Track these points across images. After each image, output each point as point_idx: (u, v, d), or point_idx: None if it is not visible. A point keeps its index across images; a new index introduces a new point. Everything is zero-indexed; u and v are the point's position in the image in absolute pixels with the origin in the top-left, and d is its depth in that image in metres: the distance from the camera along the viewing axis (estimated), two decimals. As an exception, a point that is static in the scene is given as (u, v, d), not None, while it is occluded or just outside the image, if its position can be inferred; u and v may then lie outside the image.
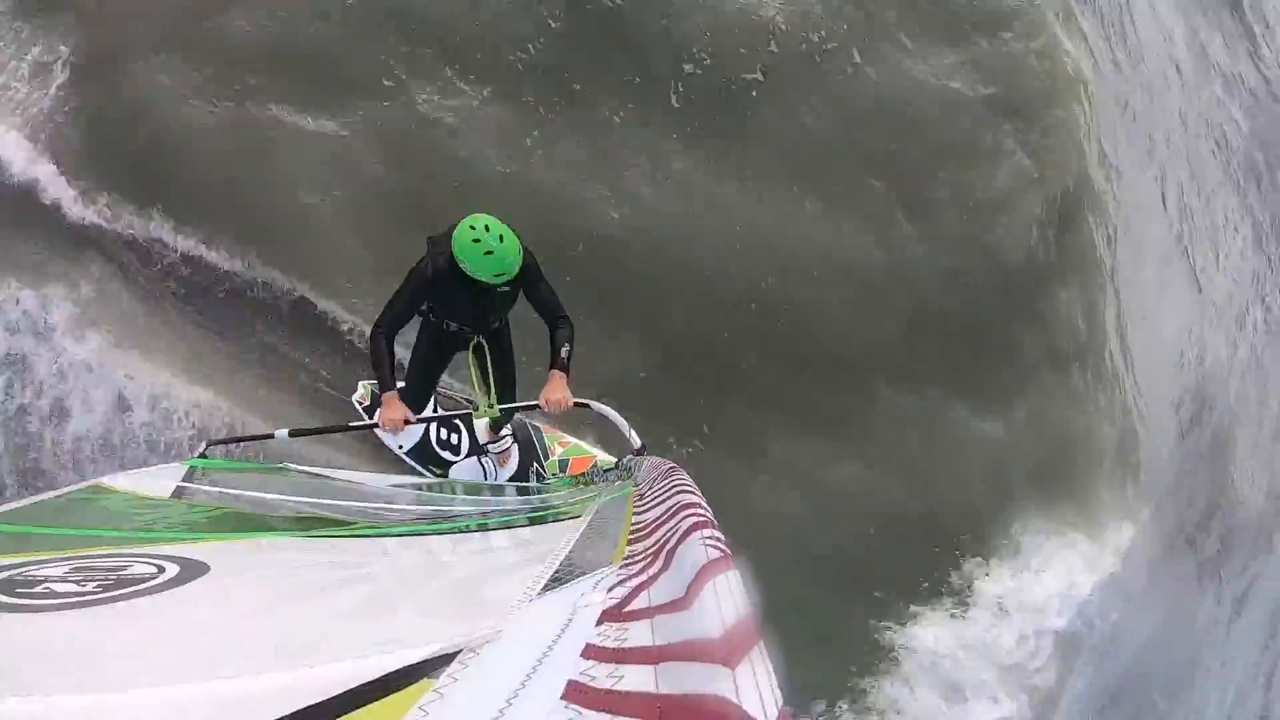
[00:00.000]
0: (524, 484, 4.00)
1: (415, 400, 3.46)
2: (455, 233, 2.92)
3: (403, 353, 3.45)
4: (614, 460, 3.42)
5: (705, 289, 4.85)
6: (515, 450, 4.07)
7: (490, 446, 4.02)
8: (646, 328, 4.74)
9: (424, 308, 3.29)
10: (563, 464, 4.18)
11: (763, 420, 4.90)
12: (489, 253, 2.86)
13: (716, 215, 4.95)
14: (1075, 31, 6.17)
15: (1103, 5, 6.77)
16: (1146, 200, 6.69)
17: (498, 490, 3.71)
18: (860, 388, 5.16)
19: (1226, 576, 6.78)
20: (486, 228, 2.87)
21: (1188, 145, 7.55)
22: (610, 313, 4.52)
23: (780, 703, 0.52)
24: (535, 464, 4.14)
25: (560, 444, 4.30)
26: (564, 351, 3.17)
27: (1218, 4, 8.92)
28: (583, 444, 4.30)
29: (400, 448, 3.94)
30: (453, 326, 3.38)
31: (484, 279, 2.96)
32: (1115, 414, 5.88)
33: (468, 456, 4.07)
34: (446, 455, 4.03)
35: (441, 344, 3.53)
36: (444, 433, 4.09)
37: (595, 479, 2.97)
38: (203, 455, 2.99)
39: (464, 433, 4.09)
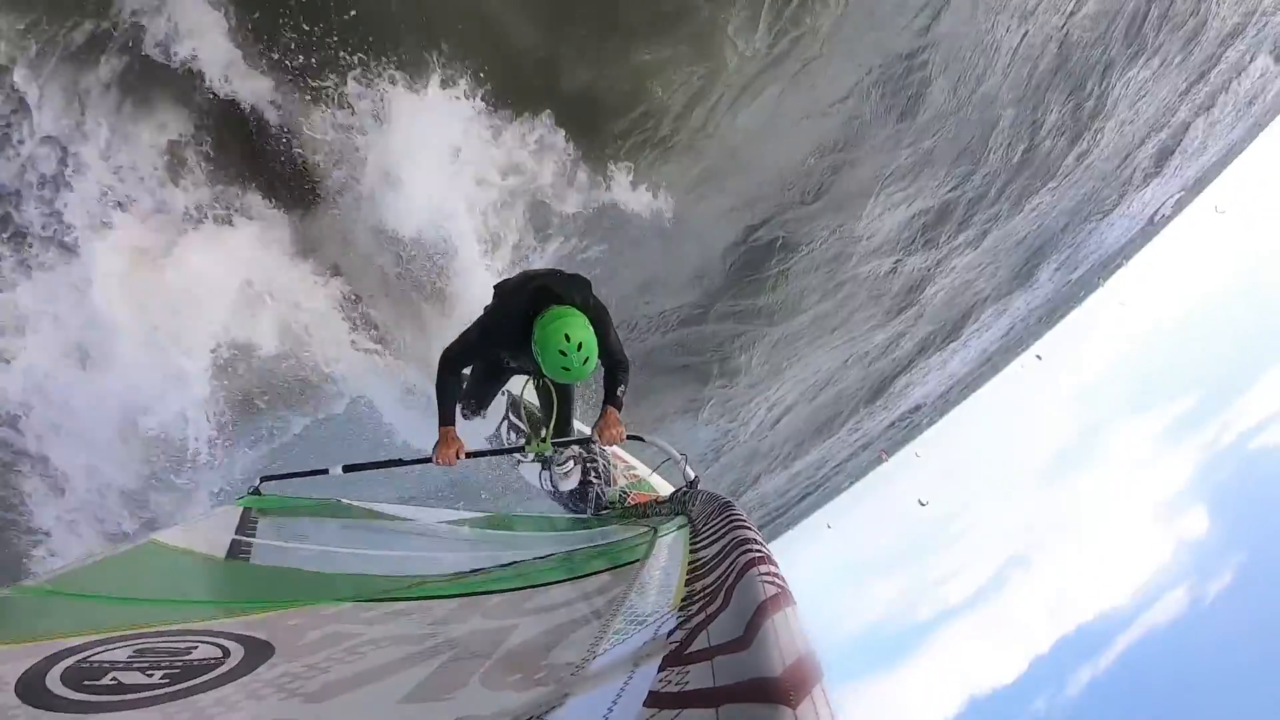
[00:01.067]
0: (580, 517, 4.00)
1: (477, 401, 3.71)
2: (544, 330, 2.84)
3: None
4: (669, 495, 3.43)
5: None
6: (577, 471, 4.06)
7: (554, 463, 4.04)
8: None
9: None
10: (623, 494, 4.15)
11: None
12: (567, 369, 2.85)
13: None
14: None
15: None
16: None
17: (554, 524, 3.68)
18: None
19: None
20: (579, 346, 2.81)
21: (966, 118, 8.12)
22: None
23: None
24: (597, 488, 4.13)
25: (628, 476, 4.32)
26: (619, 390, 3.25)
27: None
28: (649, 480, 4.31)
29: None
30: (513, 365, 3.51)
31: (549, 376, 3.02)
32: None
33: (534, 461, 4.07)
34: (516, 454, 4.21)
35: (501, 370, 3.73)
36: (513, 436, 4.24)
37: (649, 512, 2.99)
38: (256, 492, 2.95)
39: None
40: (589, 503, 4.05)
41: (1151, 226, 19.35)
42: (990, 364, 22.94)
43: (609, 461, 4.18)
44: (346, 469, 3.16)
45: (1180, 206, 19.69)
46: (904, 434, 23.56)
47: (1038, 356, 26.05)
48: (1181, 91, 12.41)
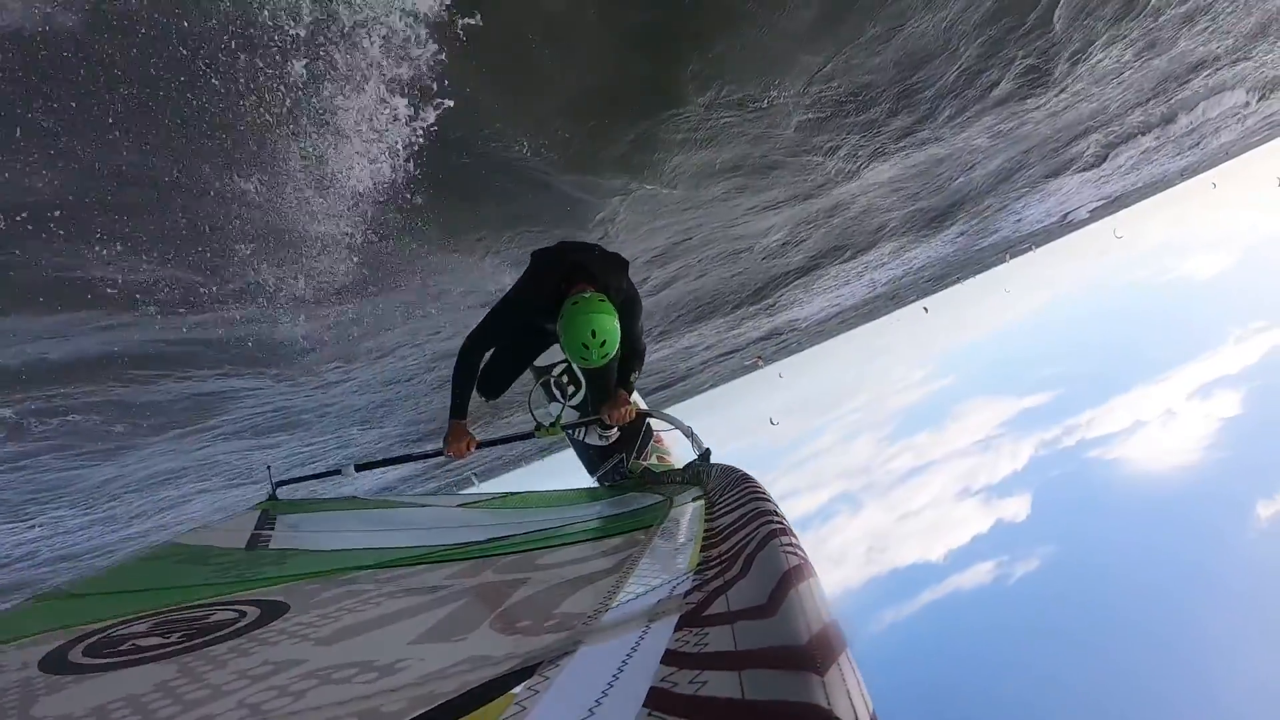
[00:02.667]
0: (595, 488, 4.00)
1: (496, 383, 3.62)
2: (574, 319, 2.92)
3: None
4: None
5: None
6: (615, 431, 4.08)
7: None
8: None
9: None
10: (646, 471, 4.14)
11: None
12: (585, 359, 2.98)
13: None
14: None
15: None
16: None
17: (569, 497, 3.72)
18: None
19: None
20: (603, 343, 2.93)
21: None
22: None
23: (871, 708, 0.55)
24: (625, 455, 4.21)
25: (660, 458, 4.32)
26: (632, 376, 3.40)
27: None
28: (675, 466, 4.23)
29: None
30: (549, 327, 3.43)
31: (566, 354, 3.10)
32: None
33: (577, 407, 4.22)
34: (557, 394, 4.24)
35: (524, 349, 3.72)
36: (564, 378, 4.30)
37: (664, 480, 3.04)
38: (273, 497, 2.99)
39: (582, 390, 4.22)
40: (609, 465, 4.18)
41: (1061, 226, 19.97)
42: (869, 309, 23.43)
43: (651, 439, 4.30)
44: (359, 468, 3.28)
45: (1094, 217, 20.38)
46: (774, 351, 24.02)
47: (925, 309, 27.07)
48: (1144, 100, 12.32)
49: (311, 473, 3.35)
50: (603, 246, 3.42)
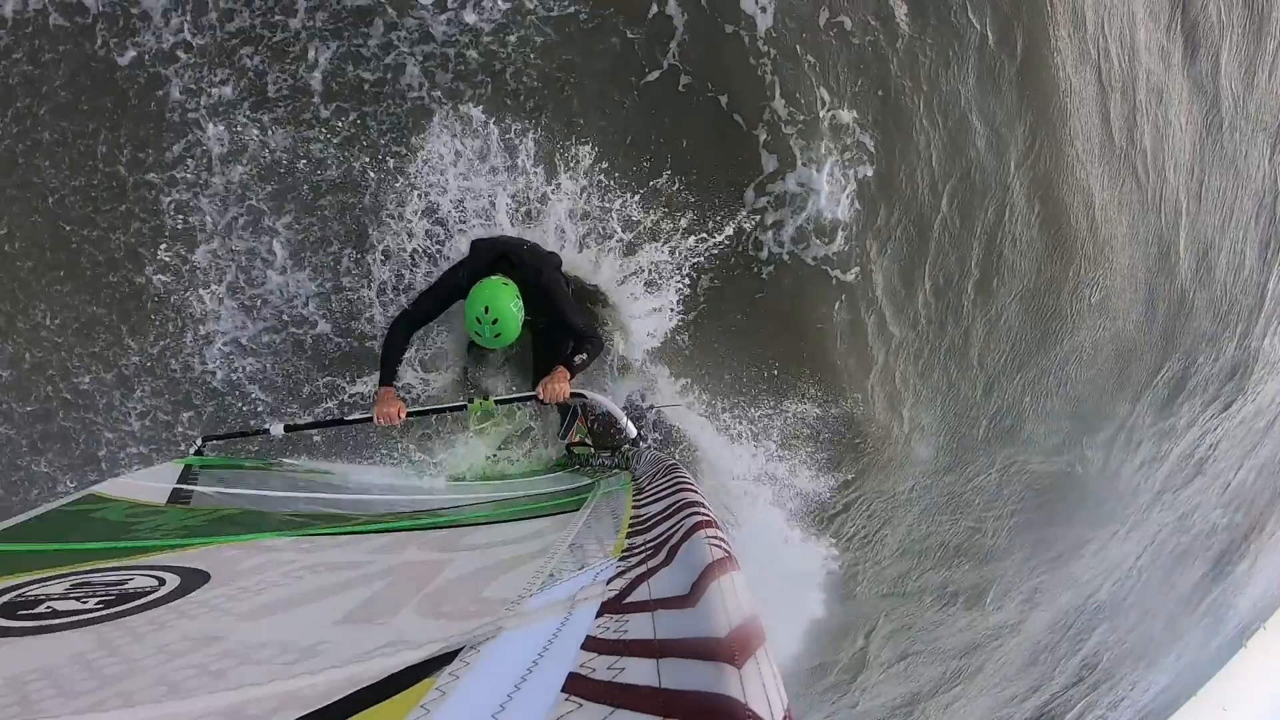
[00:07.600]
0: (523, 477, 4.03)
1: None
2: (473, 292, 3.03)
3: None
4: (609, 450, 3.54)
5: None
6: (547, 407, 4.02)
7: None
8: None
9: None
10: (570, 451, 4.23)
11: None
12: (478, 334, 3.05)
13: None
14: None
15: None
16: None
17: (496, 480, 3.76)
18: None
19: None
20: (494, 321, 2.98)
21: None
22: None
23: (786, 703, 0.55)
24: (566, 421, 4.25)
25: (585, 439, 4.35)
26: (578, 358, 3.31)
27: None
28: (590, 449, 4.39)
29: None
30: None
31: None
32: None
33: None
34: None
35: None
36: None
37: (591, 462, 3.03)
38: (199, 452, 2.98)
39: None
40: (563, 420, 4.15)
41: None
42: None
43: (576, 419, 4.25)
44: (288, 429, 3.24)
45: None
46: None
47: (1224, 708, 20.24)
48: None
49: (239, 430, 3.34)
50: (539, 246, 3.43)
